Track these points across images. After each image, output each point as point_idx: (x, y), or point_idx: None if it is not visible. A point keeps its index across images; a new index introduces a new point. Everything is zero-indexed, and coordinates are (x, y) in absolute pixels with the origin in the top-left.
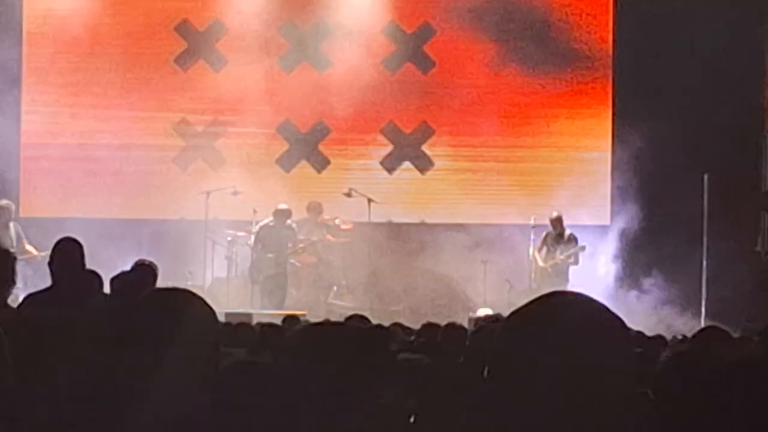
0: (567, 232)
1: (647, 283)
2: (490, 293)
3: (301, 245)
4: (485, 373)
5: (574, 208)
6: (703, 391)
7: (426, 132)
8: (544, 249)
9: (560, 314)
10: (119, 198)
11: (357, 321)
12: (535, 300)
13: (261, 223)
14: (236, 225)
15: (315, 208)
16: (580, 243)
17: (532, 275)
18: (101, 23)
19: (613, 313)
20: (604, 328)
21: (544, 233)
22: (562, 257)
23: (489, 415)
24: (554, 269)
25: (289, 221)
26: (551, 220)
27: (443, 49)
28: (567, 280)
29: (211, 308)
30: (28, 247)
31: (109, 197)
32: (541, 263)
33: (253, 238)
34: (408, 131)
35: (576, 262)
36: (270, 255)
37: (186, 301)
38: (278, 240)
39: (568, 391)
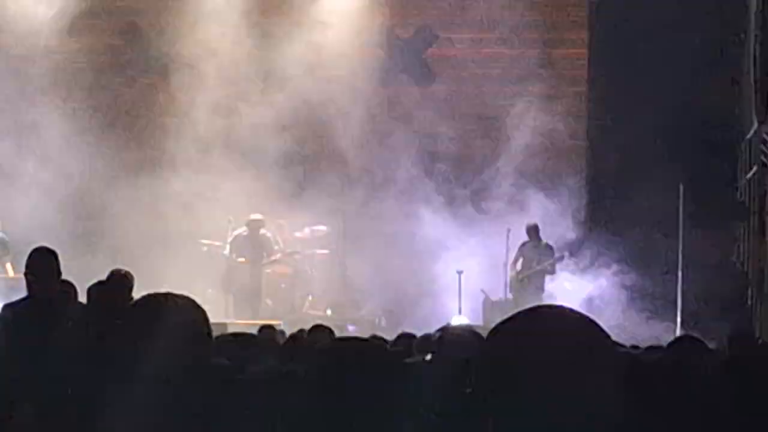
0: (543, 241)
1: (622, 294)
2: (464, 302)
3: (277, 256)
4: (469, 388)
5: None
6: (677, 399)
7: None
8: (521, 259)
9: (544, 328)
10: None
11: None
12: (518, 314)
13: (235, 233)
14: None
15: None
16: (557, 253)
17: (508, 285)
18: None
19: (597, 326)
20: (590, 342)
21: (520, 242)
22: (538, 267)
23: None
24: (530, 279)
25: (263, 231)
26: (527, 229)
27: None
28: (543, 290)
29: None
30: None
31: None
32: (516, 273)
33: (228, 247)
34: None
35: (553, 272)
36: (244, 265)
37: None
38: (253, 249)
39: (555, 406)
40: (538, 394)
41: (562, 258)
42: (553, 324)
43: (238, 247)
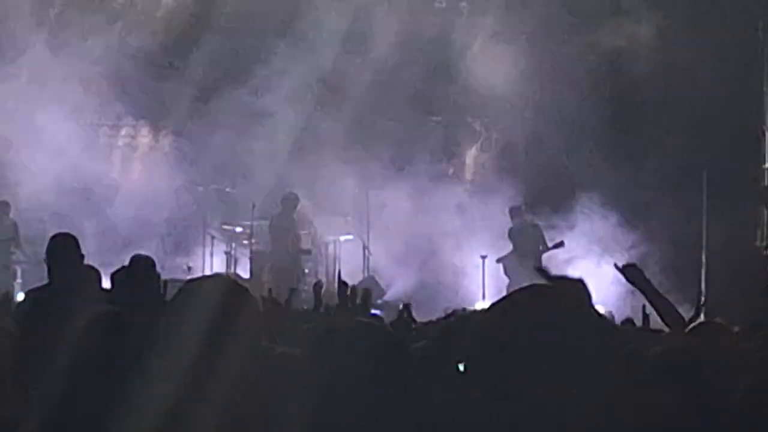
0: (527, 221)
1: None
2: (488, 287)
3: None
4: (462, 367)
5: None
6: (697, 386)
7: None
8: (512, 245)
9: (538, 308)
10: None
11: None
12: (511, 295)
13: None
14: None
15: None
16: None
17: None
18: None
19: (592, 305)
20: (584, 321)
21: (507, 231)
22: (541, 250)
23: (468, 408)
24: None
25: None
26: (511, 211)
27: None
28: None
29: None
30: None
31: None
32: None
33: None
34: None
35: (545, 251)
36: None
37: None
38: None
39: (550, 383)
40: (532, 373)
41: (561, 244)
42: (547, 303)
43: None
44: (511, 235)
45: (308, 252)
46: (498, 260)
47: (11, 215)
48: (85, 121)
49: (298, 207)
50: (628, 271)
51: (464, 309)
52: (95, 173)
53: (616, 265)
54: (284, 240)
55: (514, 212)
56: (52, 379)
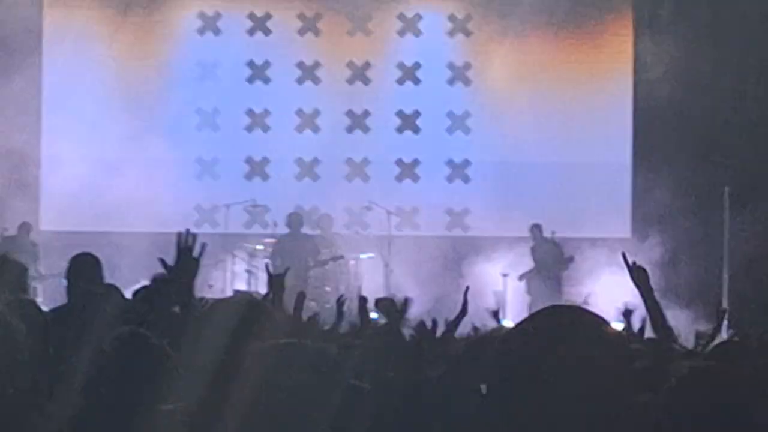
0: (548, 238)
1: (666, 295)
2: (509, 306)
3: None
4: (484, 389)
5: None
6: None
7: None
8: (533, 264)
9: (556, 330)
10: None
11: None
12: (530, 318)
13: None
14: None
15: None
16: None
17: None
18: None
19: (608, 325)
20: (600, 341)
21: (529, 249)
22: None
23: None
24: (546, 282)
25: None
26: (531, 229)
27: None
28: (560, 291)
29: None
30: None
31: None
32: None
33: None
34: None
35: (566, 268)
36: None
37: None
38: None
39: (568, 406)
40: (551, 395)
41: (571, 259)
42: (565, 325)
43: (281, 251)
44: (533, 252)
45: (326, 263)
46: (520, 278)
47: (31, 235)
48: (105, 135)
49: (319, 224)
50: (636, 271)
51: (500, 325)
52: (116, 189)
53: (624, 257)
54: (292, 260)
55: (534, 230)
56: (71, 398)
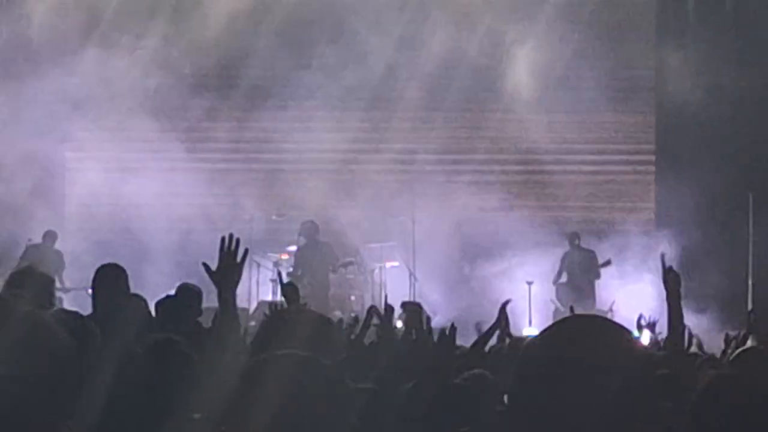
0: (585, 248)
1: (690, 301)
2: (535, 313)
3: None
4: (505, 400)
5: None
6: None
7: None
8: (565, 271)
9: (577, 340)
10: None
11: None
12: (551, 327)
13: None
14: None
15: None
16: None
17: (556, 299)
18: None
19: (630, 336)
20: (621, 351)
21: (562, 255)
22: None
23: None
24: (578, 288)
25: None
26: (569, 237)
27: None
28: (593, 298)
29: None
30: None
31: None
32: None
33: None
34: None
35: (598, 276)
36: (306, 279)
37: None
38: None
39: (590, 415)
40: (572, 405)
41: (609, 263)
42: (586, 334)
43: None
44: (567, 259)
45: (347, 264)
46: (554, 282)
47: (56, 245)
48: (126, 144)
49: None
50: (669, 273)
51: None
52: (137, 199)
53: (662, 258)
54: (311, 268)
55: (572, 237)
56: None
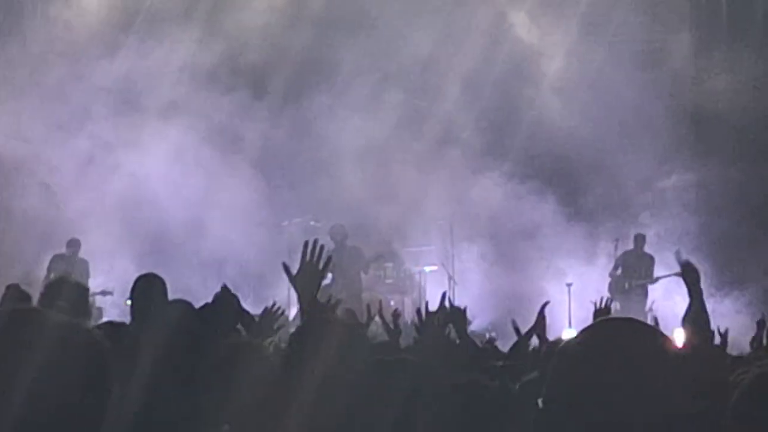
0: (647, 252)
1: (737, 308)
2: (574, 315)
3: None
4: (540, 403)
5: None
6: None
7: None
8: (620, 267)
9: (610, 343)
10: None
11: None
12: (585, 330)
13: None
14: None
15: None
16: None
17: (611, 291)
18: None
19: (664, 337)
20: (656, 353)
21: (624, 250)
22: (641, 281)
23: None
24: (633, 288)
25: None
26: (635, 237)
27: None
28: (646, 298)
29: None
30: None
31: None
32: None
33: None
34: None
35: (654, 281)
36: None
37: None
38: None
39: (625, 417)
40: (607, 408)
41: (679, 275)
42: (620, 337)
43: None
44: (630, 257)
45: (377, 259)
46: (610, 274)
47: (81, 253)
48: (160, 153)
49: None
50: (687, 268)
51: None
52: (175, 208)
53: (677, 254)
54: (342, 272)
55: (638, 238)
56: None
